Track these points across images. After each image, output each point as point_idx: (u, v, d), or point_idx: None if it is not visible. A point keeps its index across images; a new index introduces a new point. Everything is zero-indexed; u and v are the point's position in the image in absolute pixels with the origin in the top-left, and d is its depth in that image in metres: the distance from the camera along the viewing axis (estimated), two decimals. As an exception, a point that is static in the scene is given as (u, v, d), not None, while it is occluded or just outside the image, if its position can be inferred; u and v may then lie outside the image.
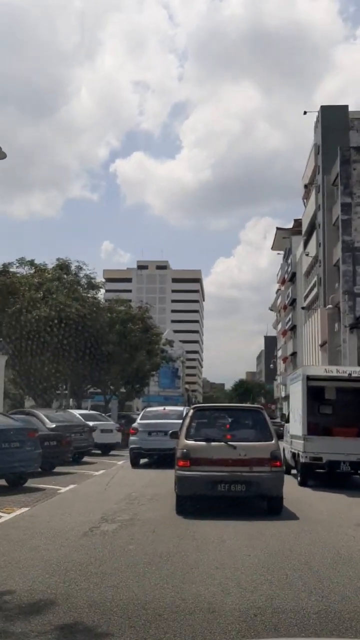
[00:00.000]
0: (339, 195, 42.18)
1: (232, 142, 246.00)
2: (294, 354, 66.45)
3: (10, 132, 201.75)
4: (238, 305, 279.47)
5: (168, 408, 18.61)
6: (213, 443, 8.80)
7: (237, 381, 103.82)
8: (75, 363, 27.93)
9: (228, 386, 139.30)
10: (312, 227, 54.87)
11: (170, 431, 11.25)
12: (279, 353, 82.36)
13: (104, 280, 29.43)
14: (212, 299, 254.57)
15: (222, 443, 8.75)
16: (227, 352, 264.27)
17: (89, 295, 29.09)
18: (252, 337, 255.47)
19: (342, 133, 47.09)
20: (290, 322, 68.35)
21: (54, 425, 16.11)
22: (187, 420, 9.43)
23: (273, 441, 8.98)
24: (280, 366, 79.80)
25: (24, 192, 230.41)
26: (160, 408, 19.00)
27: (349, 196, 41.61)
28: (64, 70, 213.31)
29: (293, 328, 67.14)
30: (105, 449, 21.08)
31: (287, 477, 12.89)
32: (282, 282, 76.00)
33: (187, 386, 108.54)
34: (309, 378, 11.67)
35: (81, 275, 28.59)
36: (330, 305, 40.35)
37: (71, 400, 34.07)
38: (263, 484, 8.64)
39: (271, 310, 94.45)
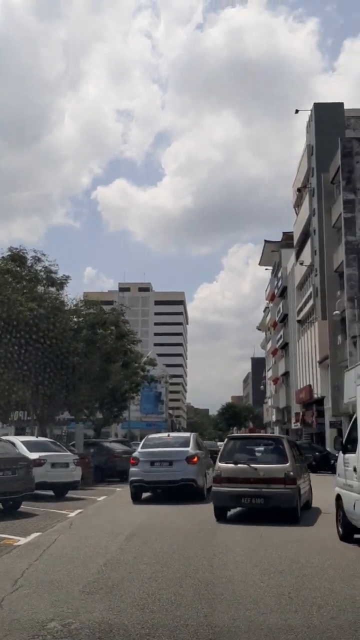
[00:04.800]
0: (341, 192, 37.50)
1: (214, 170, 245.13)
2: (286, 373, 61.31)
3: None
4: (222, 331, 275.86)
5: (172, 434, 17.27)
6: (239, 465, 10.83)
7: (224, 405, 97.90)
8: (31, 379, 22.20)
9: (212, 412, 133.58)
10: (306, 235, 50.32)
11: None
12: (269, 374, 76.99)
13: (67, 275, 23.79)
14: (196, 324, 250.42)
15: (246, 465, 10.77)
16: (211, 378, 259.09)
17: (50, 294, 23.41)
18: (236, 363, 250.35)
19: (338, 132, 42.72)
20: (281, 340, 63.30)
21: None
22: (223, 446, 11.72)
23: (288, 464, 10.66)
24: (271, 388, 74.36)
25: (6, 220, 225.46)
26: (164, 434, 17.37)
27: (352, 192, 36.94)
28: (47, 98, 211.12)
29: (285, 346, 62.09)
30: (60, 490, 15.30)
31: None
32: (272, 298, 71.15)
33: (170, 411, 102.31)
34: None
35: (39, 268, 22.92)
36: (337, 312, 35.17)
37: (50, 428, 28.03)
38: (278, 498, 10.38)
39: (259, 329, 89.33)
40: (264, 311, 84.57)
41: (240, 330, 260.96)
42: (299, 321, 52.92)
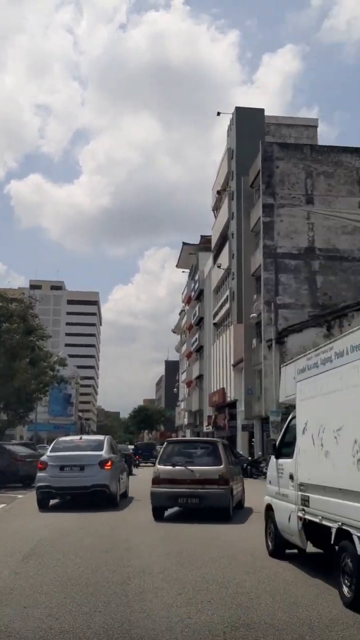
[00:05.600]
0: (260, 196, 37.58)
1: (133, 172, 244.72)
2: (200, 376, 61.15)
3: None
4: (135, 334, 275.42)
5: (85, 437, 16.42)
6: (177, 467, 11.47)
7: (136, 407, 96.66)
8: None
9: (124, 415, 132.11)
10: (224, 238, 50.36)
11: None
12: (183, 377, 76.75)
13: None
14: (110, 326, 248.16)
15: (183, 467, 11.41)
16: (123, 381, 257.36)
17: None
18: (149, 366, 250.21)
19: (258, 137, 42.93)
20: (196, 343, 63.14)
21: None
22: (162, 450, 12.57)
23: (222, 466, 11.39)
24: (184, 391, 74.11)
25: None
26: (76, 437, 16.60)
27: (271, 196, 37.12)
28: None
29: (200, 349, 61.96)
30: None
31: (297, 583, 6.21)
32: (188, 301, 70.97)
33: (80, 414, 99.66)
34: None
35: None
36: (254, 314, 35.08)
37: None
38: (212, 498, 11.06)
39: (174, 332, 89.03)
40: (180, 314, 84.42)
41: (154, 334, 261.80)
42: (214, 324, 52.85)
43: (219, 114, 52.73)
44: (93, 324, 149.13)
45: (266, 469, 28.69)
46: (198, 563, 7.01)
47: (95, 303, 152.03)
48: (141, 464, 45.18)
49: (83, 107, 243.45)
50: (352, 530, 4.89)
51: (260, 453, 34.30)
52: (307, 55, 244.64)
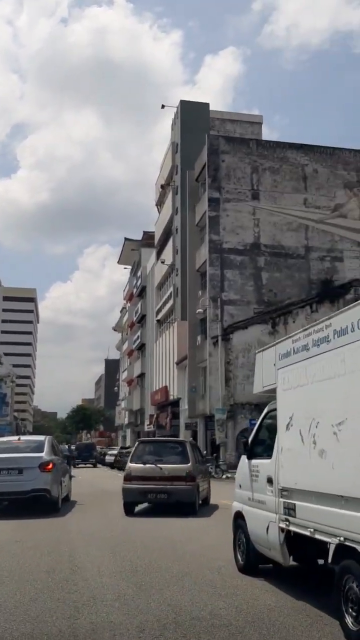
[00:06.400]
0: (206, 190, 36.88)
1: (74, 168, 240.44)
2: (141, 375, 60.05)
3: None
4: (74, 332, 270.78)
5: (24, 438, 15.33)
6: (147, 465, 12.36)
7: (75, 407, 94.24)
8: None
9: (62, 415, 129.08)
10: (168, 233, 49.53)
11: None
12: (124, 375, 75.36)
13: None
14: (47, 324, 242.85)
15: (153, 465, 12.26)
16: (61, 381, 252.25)
17: None
18: (88, 365, 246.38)
19: (203, 131, 42.29)
20: (138, 340, 61.99)
21: None
22: (133, 449, 13.63)
23: (189, 464, 12.25)
24: (125, 390, 72.73)
25: None
26: (14, 438, 15.63)
27: (216, 191, 36.48)
28: None
29: (141, 347, 60.83)
30: None
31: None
32: (130, 297, 69.76)
33: (15, 414, 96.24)
34: None
35: None
36: (200, 310, 34.28)
37: None
38: (179, 493, 11.89)
39: (115, 330, 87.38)
40: (121, 312, 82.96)
41: (94, 332, 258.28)
42: (158, 321, 51.91)
43: (163, 106, 51.90)
44: (30, 322, 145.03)
45: (212, 468, 27.96)
46: (158, 584, 5.95)
47: (33, 300, 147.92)
48: (79, 465, 43.69)
49: (22, 100, 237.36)
50: (359, 547, 3.98)
51: (205, 452, 33.55)
52: (248, 58, 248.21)
